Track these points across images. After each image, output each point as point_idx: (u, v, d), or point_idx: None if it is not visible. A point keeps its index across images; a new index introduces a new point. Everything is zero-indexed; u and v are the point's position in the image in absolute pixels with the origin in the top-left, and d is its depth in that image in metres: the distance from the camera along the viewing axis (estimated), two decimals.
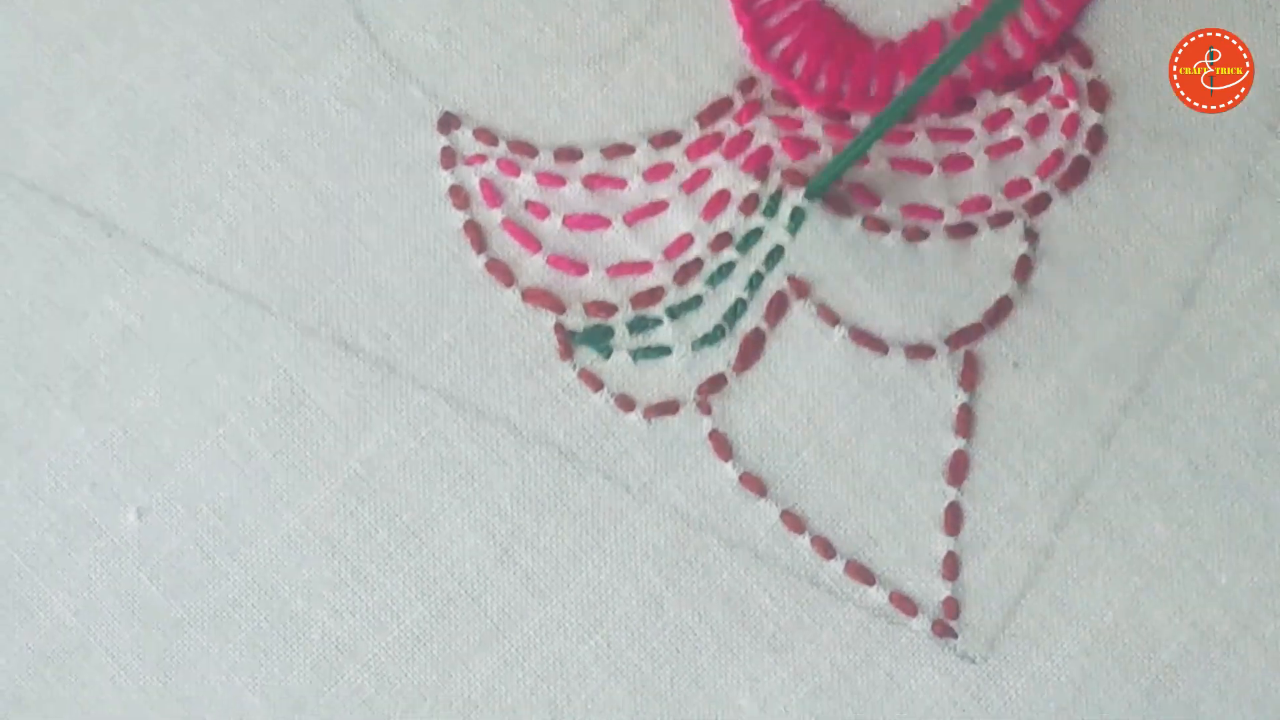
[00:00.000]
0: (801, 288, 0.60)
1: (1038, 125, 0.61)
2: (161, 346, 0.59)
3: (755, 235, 0.60)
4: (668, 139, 0.61)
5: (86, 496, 0.58)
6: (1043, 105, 0.62)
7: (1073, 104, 0.61)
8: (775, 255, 0.60)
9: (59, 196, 0.60)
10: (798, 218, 0.60)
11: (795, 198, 0.60)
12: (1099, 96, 0.61)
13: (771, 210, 0.60)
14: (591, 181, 0.61)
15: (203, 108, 0.60)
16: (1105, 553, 0.59)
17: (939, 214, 0.61)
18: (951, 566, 0.59)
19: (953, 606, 0.58)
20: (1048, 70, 0.62)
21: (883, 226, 0.60)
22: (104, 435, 0.58)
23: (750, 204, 0.60)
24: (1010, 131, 0.61)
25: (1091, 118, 0.61)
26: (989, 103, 0.62)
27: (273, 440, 0.58)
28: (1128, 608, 0.58)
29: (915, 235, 0.60)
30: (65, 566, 0.57)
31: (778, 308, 0.60)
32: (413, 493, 0.58)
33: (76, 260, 0.59)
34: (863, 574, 0.58)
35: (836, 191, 0.60)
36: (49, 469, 0.58)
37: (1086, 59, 0.62)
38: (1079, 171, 0.61)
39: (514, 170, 0.60)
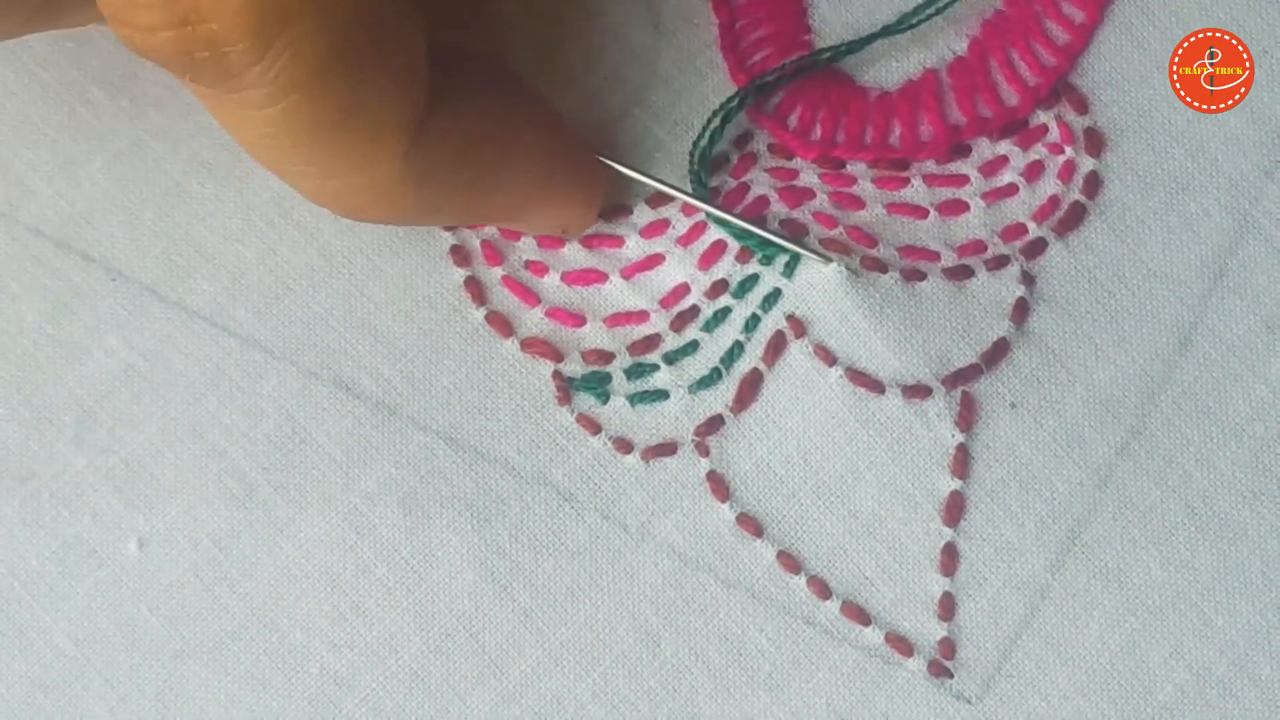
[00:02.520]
0: (799, 327, 0.60)
1: (1033, 171, 0.62)
2: (164, 385, 0.59)
3: (752, 281, 0.60)
4: (664, 197, 0.61)
5: (88, 526, 0.58)
6: (1039, 151, 0.62)
7: (1069, 150, 0.62)
8: (772, 298, 0.60)
9: (64, 242, 0.60)
10: (793, 264, 0.60)
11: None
12: (1095, 143, 0.62)
13: (768, 259, 0.60)
14: (590, 241, 0.61)
15: (209, 166, 0.61)
16: (1101, 594, 0.59)
17: (936, 256, 0.61)
18: (947, 607, 0.59)
19: (948, 647, 0.58)
20: (1043, 117, 0.62)
21: (881, 266, 0.60)
22: (106, 467, 0.58)
23: (746, 252, 0.60)
24: (1006, 177, 0.62)
25: (1087, 164, 0.62)
26: (984, 149, 0.62)
27: (274, 475, 0.58)
28: (1124, 649, 0.58)
29: (913, 275, 0.60)
30: (65, 595, 0.57)
31: (775, 347, 0.60)
32: (412, 529, 0.58)
33: (80, 302, 0.59)
34: (859, 614, 0.58)
35: (835, 236, 0.61)
36: (50, 498, 0.58)
37: (1082, 106, 0.62)
38: (1075, 217, 0.61)
39: (514, 234, 0.61)
